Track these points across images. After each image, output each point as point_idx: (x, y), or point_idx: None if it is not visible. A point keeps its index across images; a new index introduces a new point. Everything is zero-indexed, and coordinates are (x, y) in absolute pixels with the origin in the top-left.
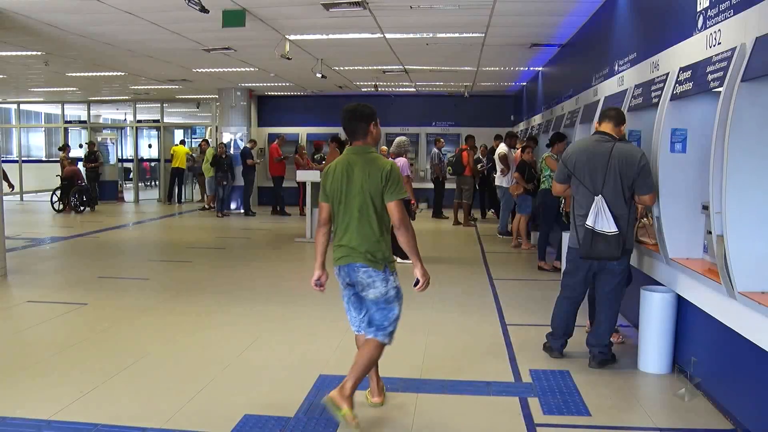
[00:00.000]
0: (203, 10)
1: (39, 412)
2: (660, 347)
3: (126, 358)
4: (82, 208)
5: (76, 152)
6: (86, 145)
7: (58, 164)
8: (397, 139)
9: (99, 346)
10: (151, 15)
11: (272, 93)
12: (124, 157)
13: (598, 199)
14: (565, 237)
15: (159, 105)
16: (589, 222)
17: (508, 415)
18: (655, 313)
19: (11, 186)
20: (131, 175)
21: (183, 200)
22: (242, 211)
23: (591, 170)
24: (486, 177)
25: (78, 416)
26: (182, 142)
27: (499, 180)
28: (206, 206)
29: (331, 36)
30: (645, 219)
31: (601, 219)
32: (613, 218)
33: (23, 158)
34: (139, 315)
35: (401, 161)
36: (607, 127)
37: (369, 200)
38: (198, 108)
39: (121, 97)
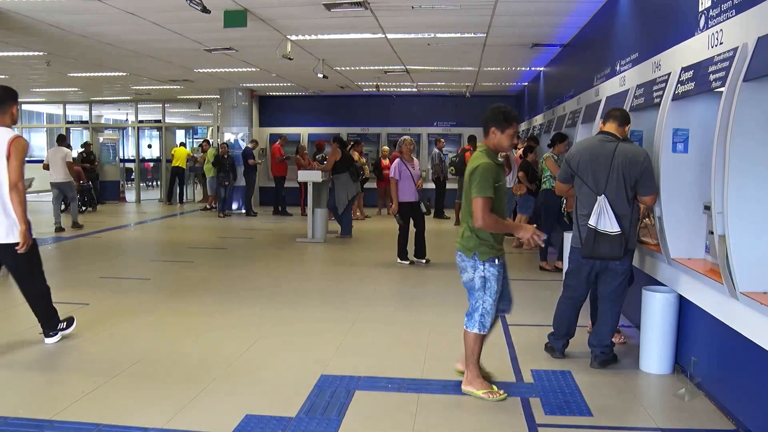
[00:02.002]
0: (205, 10)
1: (41, 412)
2: (661, 347)
3: (127, 358)
4: (84, 208)
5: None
6: (82, 146)
7: None
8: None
9: (100, 346)
10: (152, 15)
11: (274, 93)
12: (126, 158)
13: (601, 199)
14: (567, 237)
15: (160, 105)
16: (592, 222)
17: (510, 415)
18: (656, 314)
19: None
20: (133, 176)
21: (185, 200)
22: (244, 211)
23: (594, 170)
24: None
25: (80, 416)
26: (182, 145)
27: None
28: (208, 206)
29: (332, 36)
30: (647, 219)
31: (603, 219)
32: (616, 218)
33: (25, 158)
34: (140, 315)
35: (395, 162)
36: (611, 127)
37: (466, 195)
38: (199, 108)
39: (123, 98)
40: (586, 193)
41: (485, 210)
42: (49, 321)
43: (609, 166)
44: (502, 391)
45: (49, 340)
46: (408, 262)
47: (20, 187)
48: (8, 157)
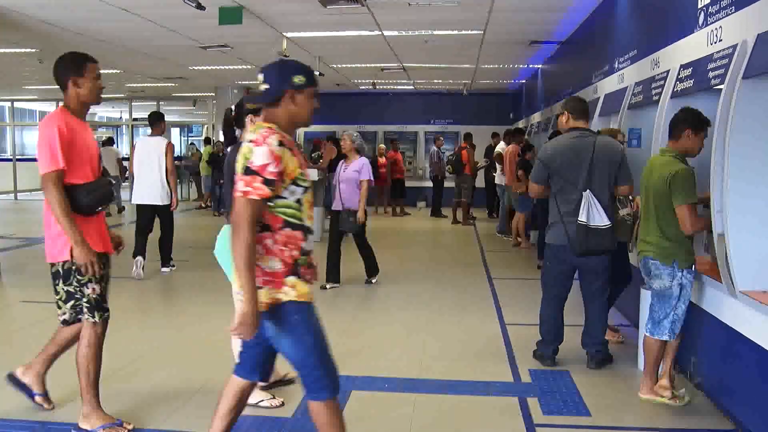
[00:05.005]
0: (200, 7)
1: (37, 413)
2: None
3: (123, 359)
4: None
5: None
6: None
7: None
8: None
9: None
10: (147, 12)
11: None
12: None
13: (588, 194)
14: None
15: (155, 103)
16: (582, 218)
17: (508, 415)
18: None
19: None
20: (128, 174)
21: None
22: None
23: (577, 167)
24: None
25: (76, 417)
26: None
27: (499, 178)
28: (203, 205)
29: (328, 33)
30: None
31: (593, 213)
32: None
33: (17, 157)
34: (136, 315)
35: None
36: (580, 122)
37: (655, 199)
38: (194, 106)
39: (117, 95)
40: (570, 190)
41: (694, 216)
42: (169, 257)
43: (591, 161)
44: (683, 395)
45: (165, 269)
46: (329, 286)
47: (174, 171)
48: (167, 155)
